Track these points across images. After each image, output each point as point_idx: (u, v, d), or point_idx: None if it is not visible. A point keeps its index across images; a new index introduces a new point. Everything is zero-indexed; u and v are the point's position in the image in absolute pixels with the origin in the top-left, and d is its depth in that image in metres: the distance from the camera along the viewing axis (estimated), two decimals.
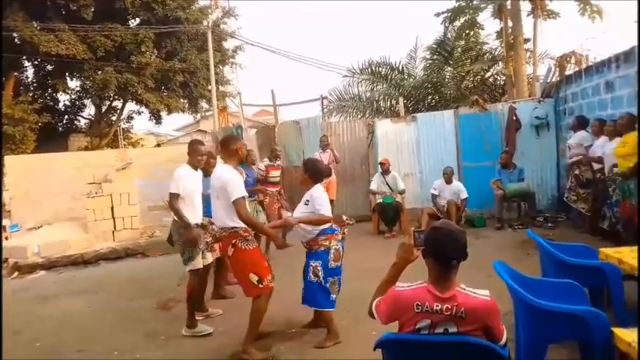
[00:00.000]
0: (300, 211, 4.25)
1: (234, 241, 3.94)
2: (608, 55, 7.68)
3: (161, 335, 4.71)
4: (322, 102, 13.52)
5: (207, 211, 5.19)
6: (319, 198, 4.16)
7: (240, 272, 4.04)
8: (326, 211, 4.15)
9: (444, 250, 2.20)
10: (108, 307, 5.81)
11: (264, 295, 4.02)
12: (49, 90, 19.32)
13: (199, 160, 4.77)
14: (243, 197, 3.88)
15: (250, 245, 4.01)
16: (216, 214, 4.05)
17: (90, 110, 21.34)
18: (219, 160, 6.09)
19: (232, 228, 3.95)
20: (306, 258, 4.30)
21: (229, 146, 4.10)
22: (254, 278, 3.95)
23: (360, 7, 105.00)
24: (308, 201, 4.20)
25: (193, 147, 4.78)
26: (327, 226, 4.20)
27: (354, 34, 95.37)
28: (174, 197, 4.53)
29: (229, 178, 3.91)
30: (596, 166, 7.01)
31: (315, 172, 4.31)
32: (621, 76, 7.17)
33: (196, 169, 4.78)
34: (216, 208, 4.02)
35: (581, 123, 7.57)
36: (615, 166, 6.21)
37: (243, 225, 3.95)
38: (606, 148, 6.53)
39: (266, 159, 8.16)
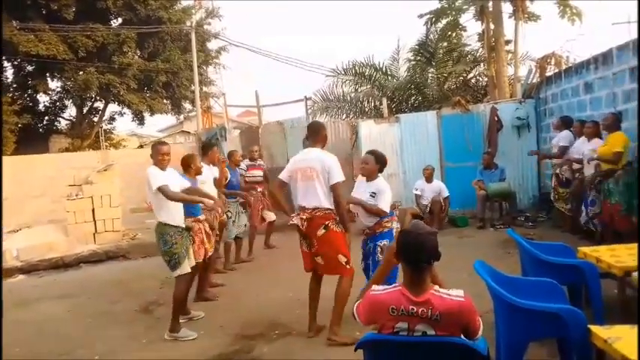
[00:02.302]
0: (371, 203, 4.43)
1: (327, 222, 4.14)
2: (586, 57, 7.81)
3: (143, 339, 4.67)
4: (306, 103, 13.51)
5: (197, 212, 5.17)
6: (386, 193, 4.39)
7: (330, 252, 4.18)
8: (387, 206, 4.40)
9: (413, 254, 2.22)
10: (89, 310, 5.73)
11: (348, 277, 4.18)
12: (29, 91, 19.02)
13: (160, 160, 4.64)
14: (342, 181, 4.15)
15: (340, 228, 4.20)
16: (310, 194, 4.20)
17: (71, 111, 21.05)
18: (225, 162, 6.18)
19: (327, 209, 4.16)
20: (369, 242, 4.41)
21: (319, 132, 4.40)
22: (342, 259, 4.16)
23: (344, 6, 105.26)
24: (375, 193, 4.37)
25: (155, 148, 4.73)
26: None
27: (338, 34, 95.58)
28: (165, 189, 4.39)
29: (332, 162, 4.17)
30: (575, 166, 7.11)
31: (384, 162, 4.54)
32: (599, 78, 7.30)
33: (164, 169, 4.66)
34: (312, 189, 4.18)
35: (565, 123, 7.66)
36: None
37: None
38: (584, 148, 6.63)
39: (247, 159, 8.13)
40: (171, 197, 4.46)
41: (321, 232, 4.15)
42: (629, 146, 6.01)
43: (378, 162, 4.48)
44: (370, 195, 4.37)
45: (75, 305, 6.02)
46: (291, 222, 4.26)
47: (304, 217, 4.19)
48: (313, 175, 4.16)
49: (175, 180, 4.71)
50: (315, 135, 4.39)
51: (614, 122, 6.14)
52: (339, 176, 4.14)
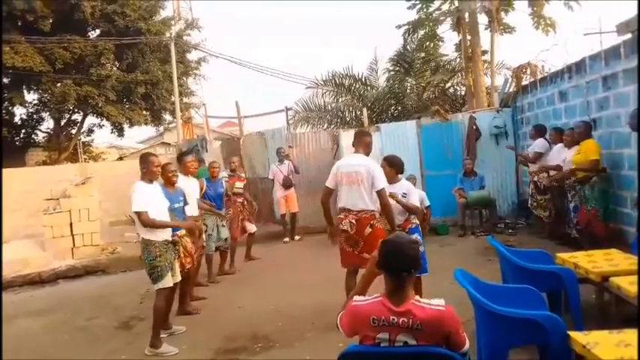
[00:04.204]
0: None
1: (372, 221, 4.49)
2: (560, 66, 7.97)
3: (122, 355, 4.58)
4: (287, 113, 13.54)
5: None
6: (414, 192, 4.90)
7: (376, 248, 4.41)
8: (418, 203, 4.92)
9: (393, 264, 2.23)
10: (66, 327, 5.61)
11: None
12: (5, 103, 18.67)
13: (155, 171, 4.63)
14: (386, 187, 4.49)
15: (381, 224, 4.55)
16: (356, 197, 4.51)
17: (48, 124, 20.69)
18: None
19: (372, 210, 4.52)
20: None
21: (362, 139, 4.73)
22: None
23: (321, 18, 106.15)
24: (405, 193, 4.78)
25: (148, 159, 4.62)
26: None
27: (318, 45, 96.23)
28: (142, 215, 4.36)
29: (376, 168, 4.54)
30: (552, 173, 7.23)
31: (398, 164, 4.89)
32: (573, 87, 7.46)
33: (152, 182, 4.62)
34: (357, 192, 4.50)
35: (539, 131, 7.81)
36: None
37: (377, 209, 4.55)
38: (564, 155, 6.76)
39: (228, 170, 8.09)
40: (146, 224, 4.41)
41: (367, 231, 4.47)
42: (601, 153, 6.16)
43: (391, 166, 4.83)
44: (402, 195, 4.74)
45: (52, 322, 5.88)
46: (341, 227, 4.53)
47: (353, 220, 4.48)
48: (359, 179, 4.48)
49: (160, 196, 4.66)
50: (358, 141, 4.72)
51: (587, 130, 6.30)
52: (383, 182, 4.48)
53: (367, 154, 4.72)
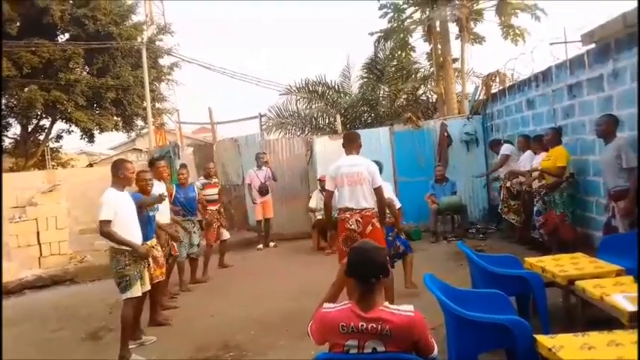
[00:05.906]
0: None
1: (373, 220, 4.73)
2: (528, 75, 8.16)
3: None
4: (260, 119, 13.50)
5: (149, 235, 5.00)
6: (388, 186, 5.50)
7: None
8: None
9: (361, 270, 2.25)
10: (32, 339, 5.45)
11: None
12: None
13: (130, 178, 4.56)
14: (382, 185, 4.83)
15: (379, 224, 4.83)
16: (359, 197, 4.71)
17: (15, 129, 20.15)
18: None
19: (373, 208, 4.78)
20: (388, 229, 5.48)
21: (355, 140, 4.95)
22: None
23: (297, 22, 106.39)
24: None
25: (123, 165, 4.55)
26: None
27: (291, 51, 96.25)
28: (104, 224, 4.27)
29: (374, 167, 4.80)
30: (522, 179, 7.38)
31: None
32: (540, 95, 7.64)
33: (123, 190, 4.53)
34: (360, 192, 4.72)
35: (496, 143, 8.14)
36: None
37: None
38: (534, 161, 6.91)
39: (202, 177, 8.01)
40: (104, 235, 4.33)
41: (369, 229, 4.67)
42: (569, 160, 6.32)
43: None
44: None
45: (17, 333, 5.69)
46: (348, 227, 4.68)
47: (359, 218, 4.68)
48: (361, 179, 4.71)
49: (130, 204, 4.57)
50: (351, 143, 4.93)
51: (555, 137, 6.46)
52: (380, 180, 4.81)
53: (358, 154, 4.95)
